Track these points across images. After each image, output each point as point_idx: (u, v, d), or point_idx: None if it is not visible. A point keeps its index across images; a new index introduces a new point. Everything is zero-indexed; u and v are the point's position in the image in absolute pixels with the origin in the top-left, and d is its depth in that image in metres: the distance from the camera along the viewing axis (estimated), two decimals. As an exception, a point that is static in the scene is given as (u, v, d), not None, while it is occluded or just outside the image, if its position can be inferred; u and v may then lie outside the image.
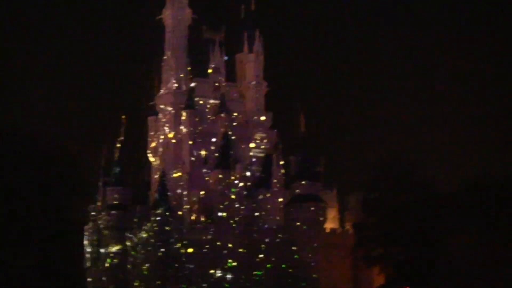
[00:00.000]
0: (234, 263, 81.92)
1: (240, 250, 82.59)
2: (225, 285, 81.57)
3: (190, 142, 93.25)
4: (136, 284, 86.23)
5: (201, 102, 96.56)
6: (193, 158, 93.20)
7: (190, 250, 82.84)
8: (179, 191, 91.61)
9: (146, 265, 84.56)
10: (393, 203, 76.35)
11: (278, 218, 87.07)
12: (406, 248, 75.52)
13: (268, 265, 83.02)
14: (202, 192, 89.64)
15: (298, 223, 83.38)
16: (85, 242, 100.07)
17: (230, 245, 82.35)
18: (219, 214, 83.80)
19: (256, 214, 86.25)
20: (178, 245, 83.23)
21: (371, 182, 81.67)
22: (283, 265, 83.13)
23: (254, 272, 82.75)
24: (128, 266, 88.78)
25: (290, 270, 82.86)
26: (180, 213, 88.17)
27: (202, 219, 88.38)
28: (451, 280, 69.98)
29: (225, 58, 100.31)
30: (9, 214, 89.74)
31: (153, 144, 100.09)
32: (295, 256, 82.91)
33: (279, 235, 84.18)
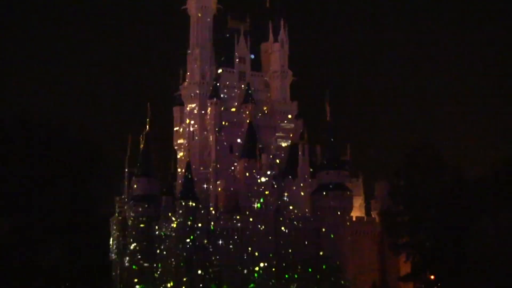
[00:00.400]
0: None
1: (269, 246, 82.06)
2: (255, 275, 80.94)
3: (216, 132, 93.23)
4: (162, 275, 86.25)
5: (226, 91, 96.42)
6: (218, 148, 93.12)
7: (217, 241, 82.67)
8: (205, 184, 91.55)
9: (173, 257, 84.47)
10: (421, 190, 75.78)
11: (304, 207, 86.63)
12: (434, 236, 74.94)
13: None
14: (230, 186, 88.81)
15: (324, 212, 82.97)
16: (111, 233, 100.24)
17: (257, 237, 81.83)
18: (246, 204, 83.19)
19: (284, 205, 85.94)
20: (205, 239, 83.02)
21: (399, 169, 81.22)
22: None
23: (284, 264, 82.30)
24: (154, 257, 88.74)
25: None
26: (206, 204, 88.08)
27: (229, 209, 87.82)
28: (479, 268, 69.31)
29: (251, 56, 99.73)
30: (37, 206, 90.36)
31: (178, 134, 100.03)
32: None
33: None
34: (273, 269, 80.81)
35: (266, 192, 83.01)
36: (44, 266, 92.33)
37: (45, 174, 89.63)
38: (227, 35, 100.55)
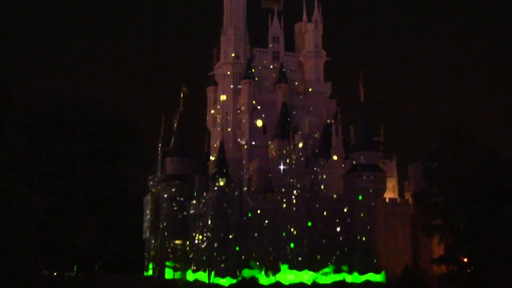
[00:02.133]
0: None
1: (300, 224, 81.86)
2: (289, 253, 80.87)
3: (249, 112, 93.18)
4: (195, 254, 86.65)
5: (260, 72, 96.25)
6: (252, 128, 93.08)
7: (250, 220, 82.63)
8: (238, 164, 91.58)
9: (205, 236, 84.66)
10: (455, 171, 75.27)
11: (337, 187, 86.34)
12: (467, 218, 74.48)
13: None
14: (263, 167, 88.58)
15: (357, 193, 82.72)
16: (144, 212, 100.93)
17: (290, 216, 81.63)
18: (279, 184, 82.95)
19: (317, 185, 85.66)
20: (237, 219, 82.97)
21: (432, 150, 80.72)
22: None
23: (316, 244, 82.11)
24: (187, 236, 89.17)
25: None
26: (239, 184, 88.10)
27: (262, 189, 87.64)
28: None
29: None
30: (71, 185, 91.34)
31: (212, 114, 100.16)
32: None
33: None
34: (305, 249, 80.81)
35: (299, 173, 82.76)
36: (79, 243, 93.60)
37: (79, 154, 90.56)
38: (261, 15, 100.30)
